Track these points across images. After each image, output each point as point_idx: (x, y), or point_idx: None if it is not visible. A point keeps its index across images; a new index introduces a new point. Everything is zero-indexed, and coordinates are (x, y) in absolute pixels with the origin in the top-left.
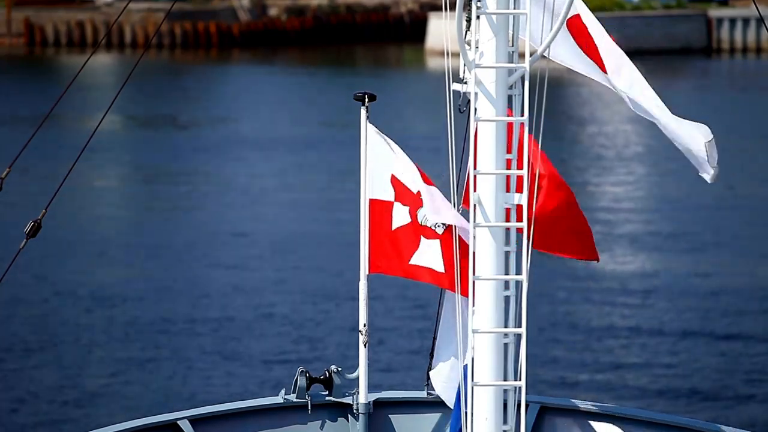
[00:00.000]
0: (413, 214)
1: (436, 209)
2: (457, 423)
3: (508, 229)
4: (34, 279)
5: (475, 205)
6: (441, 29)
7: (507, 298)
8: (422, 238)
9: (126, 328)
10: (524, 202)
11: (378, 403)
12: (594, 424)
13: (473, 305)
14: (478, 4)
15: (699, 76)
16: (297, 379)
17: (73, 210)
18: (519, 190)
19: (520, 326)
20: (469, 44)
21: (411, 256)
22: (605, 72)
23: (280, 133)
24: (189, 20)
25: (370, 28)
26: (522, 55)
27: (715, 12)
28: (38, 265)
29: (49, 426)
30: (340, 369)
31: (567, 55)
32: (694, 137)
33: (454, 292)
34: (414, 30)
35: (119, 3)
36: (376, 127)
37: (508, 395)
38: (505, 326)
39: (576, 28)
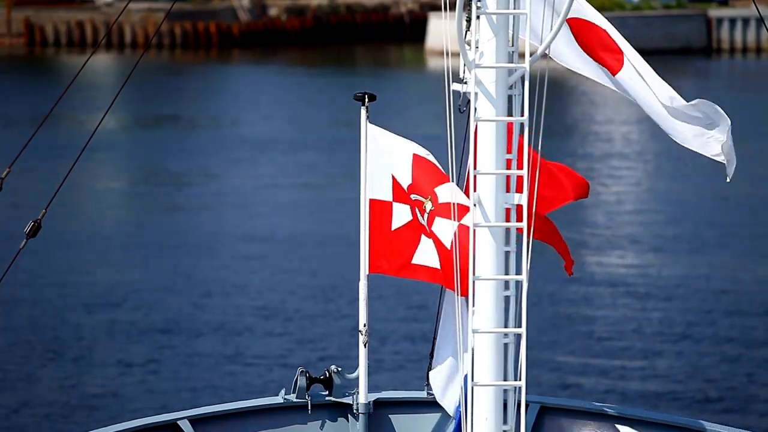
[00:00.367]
0: (413, 213)
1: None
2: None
3: (508, 229)
4: (34, 279)
5: (475, 205)
6: (441, 29)
7: (507, 298)
8: (422, 237)
9: (126, 328)
10: (524, 202)
11: (378, 403)
12: (594, 424)
13: (473, 305)
14: (478, 4)
15: (699, 76)
16: (297, 379)
17: (73, 210)
18: (519, 190)
19: (520, 326)
20: (469, 44)
21: (411, 256)
22: (612, 72)
23: (280, 133)
24: (189, 20)
25: (370, 28)
26: (522, 55)
27: (715, 12)
28: (38, 265)
29: (49, 426)
30: (340, 369)
31: (568, 55)
32: (707, 144)
33: (451, 289)
34: (414, 30)
35: (119, 3)
36: (377, 126)
37: (508, 395)
38: (505, 326)
39: (578, 29)
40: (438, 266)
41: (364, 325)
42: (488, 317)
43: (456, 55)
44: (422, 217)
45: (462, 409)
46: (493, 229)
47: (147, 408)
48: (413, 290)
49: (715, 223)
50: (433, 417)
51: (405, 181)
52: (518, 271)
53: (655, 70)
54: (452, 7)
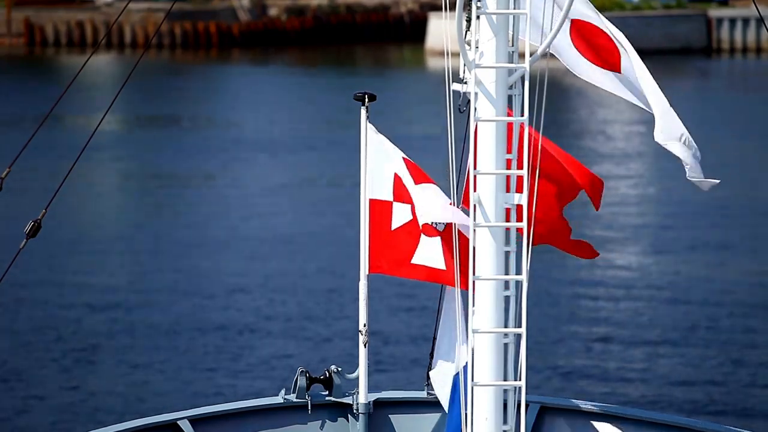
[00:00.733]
0: (413, 213)
1: (428, 210)
2: (454, 423)
3: (508, 229)
4: (34, 279)
5: (475, 205)
6: (441, 29)
7: (507, 298)
8: (422, 237)
9: (126, 328)
10: (524, 202)
11: (378, 403)
12: (594, 424)
13: (473, 305)
14: (478, 4)
15: (699, 76)
16: (297, 379)
17: (73, 210)
18: (519, 190)
19: (520, 326)
20: (469, 44)
21: (411, 256)
22: (609, 68)
23: (280, 133)
24: (189, 20)
25: (370, 28)
26: (522, 55)
27: (715, 12)
28: (38, 265)
29: (49, 426)
30: (340, 369)
31: (568, 55)
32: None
33: (454, 286)
34: (414, 30)
35: (119, 3)
36: (375, 127)
37: (508, 395)
38: (505, 326)
39: (577, 31)
40: (437, 266)
41: (364, 325)
42: (488, 317)
43: (456, 55)
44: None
45: (462, 409)
46: (493, 229)
47: (147, 408)
48: (413, 290)
49: (715, 224)
50: (433, 417)
51: (408, 181)
52: (518, 271)
53: (655, 71)
54: (452, 7)
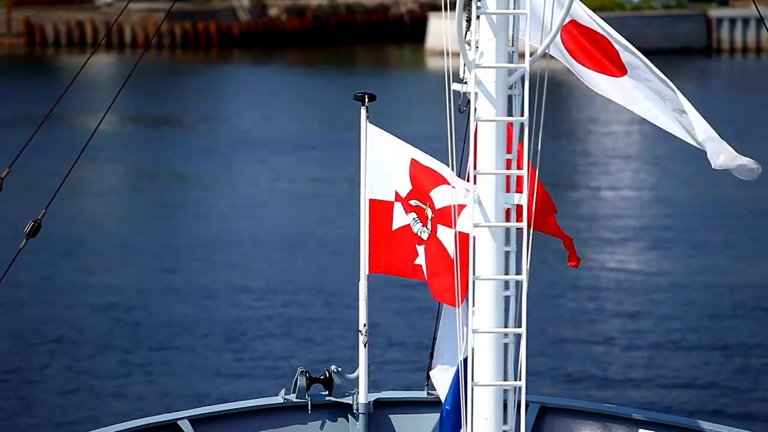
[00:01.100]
0: (408, 213)
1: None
2: (450, 422)
3: (508, 229)
4: (33, 279)
5: (475, 205)
6: (441, 29)
7: (507, 298)
8: (416, 246)
9: (126, 328)
10: (524, 202)
11: (378, 403)
12: (594, 424)
13: (473, 305)
14: (478, 4)
15: (699, 76)
16: (297, 379)
17: (73, 210)
18: (519, 190)
19: (520, 326)
20: (469, 44)
21: (412, 256)
22: (608, 74)
23: (280, 133)
24: (189, 20)
25: (370, 28)
26: (522, 55)
27: (715, 12)
28: (38, 265)
29: (49, 426)
30: (340, 369)
31: (566, 56)
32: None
33: (435, 299)
34: (414, 30)
35: (119, 3)
36: (377, 127)
37: (508, 395)
38: (505, 326)
39: (570, 35)
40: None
41: (364, 325)
42: (488, 317)
43: (456, 55)
44: (425, 226)
45: (462, 409)
46: (493, 229)
47: (147, 408)
48: (413, 290)
49: (716, 224)
50: (433, 417)
51: (404, 187)
52: (518, 271)
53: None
54: (452, 7)
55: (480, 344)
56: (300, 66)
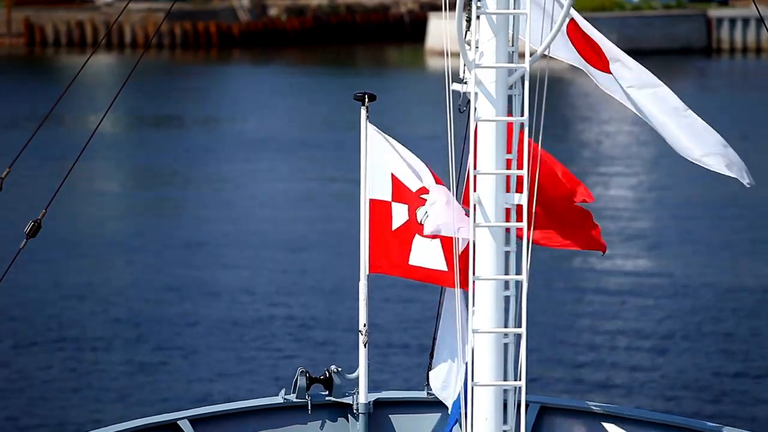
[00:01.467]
0: (412, 213)
1: (439, 222)
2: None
3: (507, 229)
4: (33, 279)
5: (475, 205)
6: (441, 29)
7: (507, 298)
8: (417, 237)
9: (126, 328)
10: (524, 202)
11: (378, 403)
12: (594, 424)
13: (473, 305)
14: (478, 4)
15: (699, 76)
16: (297, 379)
17: (73, 210)
18: (519, 190)
19: (520, 326)
20: (469, 44)
21: (410, 256)
22: (605, 71)
23: (280, 133)
24: (189, 20)
25: (370, 28)
26: (522, 55)
27: (715, 12)
28: (38, 265)
29: (49, 426)
30: (340, 369)
31: (566, 54)
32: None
33: (454, 288)
34: (414, 30)
35: (119, 3)
36: (376, 127)
37: (508, 395)
38: (505, 326)
39: (572, 32)
40: (439, 266)
41: (364, 325)
42: (488, 317)
43: (456, 55)
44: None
45: (462, 409)
46: (493, 229)
47: (147, 408)
48: (413, 290)
49: (716, 224)
50: (433, 417)
51: (413, 184)
52: (518, 271)
53: (655, 70)
54: (452, 7)
55: (480, 344)
56: (300, 66)
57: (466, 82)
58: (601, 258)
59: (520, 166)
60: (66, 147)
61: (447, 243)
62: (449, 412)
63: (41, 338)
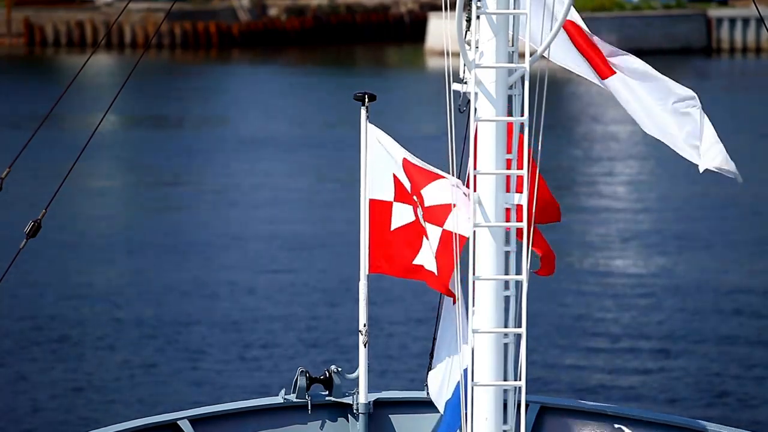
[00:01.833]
0: (416, 213)
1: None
2: (450, 424)
3: (507, 229)
4: (34, 279)
5: (475, 205)
6: (441, 29)
7: (507, 298)
8: (424, 239)
9: (125, 328)
10: (524, 202)
11: (378, 403)
12: (594, 424)
13: (473, 305)
14: (478, 4)
15: (699, 76)
16: (297, 379)
17: (73, 210)
18: (519, 190)
19: (520, 326)
20: (469, 44)
21: (412, 257)
22: (604, 74)
23: (280, 133)
24: (189, 20)
25: (370, 28)
26: (522, 55)
27: (714, 12)
28: (38, 265)
29: (49, 425)
30: (340, 369)
31: (565, 56)
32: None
33: (445, 294)
34: (414, 30)
35: (119, 3)
36: (376, 127)
37: (508, 395)
38: (505, 326)
39: (573, 31)
40: (434, 270)
41: (364, 325)
42: (488, 317)
43: (456, 55)
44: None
45: (462, 409)
46: (493, 229)
47: (147, 408)
48: (413, 290)
49: (714, 223)
50: (433, 417)
51: (409, 181)
52: (518, 271)
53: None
54: (452, 7)
55: (480, 344)
56: (300, 66)
57: (466, 82)
58: (602, 258)
59: (520, 166)
60: (66, 147)
61: (446, 243)
62: (441, 413)
63: (41, 338)
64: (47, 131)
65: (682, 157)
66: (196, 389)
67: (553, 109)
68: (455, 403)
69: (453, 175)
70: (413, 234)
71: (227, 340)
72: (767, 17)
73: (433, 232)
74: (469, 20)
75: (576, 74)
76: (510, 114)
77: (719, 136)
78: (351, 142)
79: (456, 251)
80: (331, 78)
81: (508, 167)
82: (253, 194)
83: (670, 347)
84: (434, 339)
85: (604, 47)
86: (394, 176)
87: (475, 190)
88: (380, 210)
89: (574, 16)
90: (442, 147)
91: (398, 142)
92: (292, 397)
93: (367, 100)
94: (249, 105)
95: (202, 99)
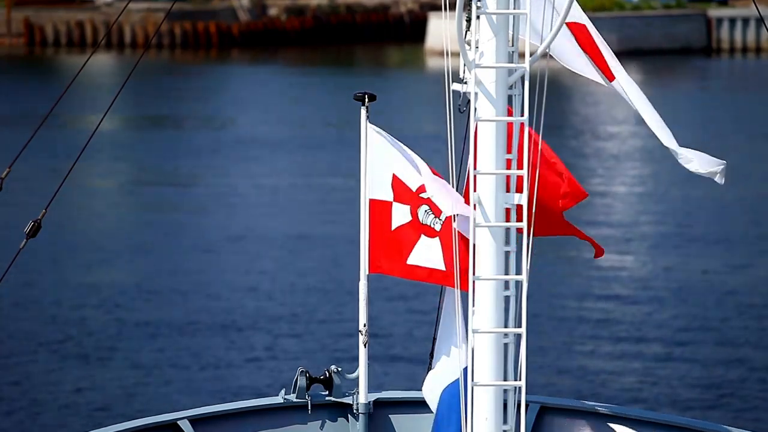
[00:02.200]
0: (414, 213)
1: (446, 201)
2: (450, 424)
3: (508, 229)
4: (34, 279)
5: (475, 205)
6: (441, 29)
7: (507, 298)
8: (422, 237)
9: (126, 328)
10: (524, 202)
11: (378, 403)
12: (594, 424)
13: (473, 305)
14: (478, 4)
15: (699, 76)
16: (297, 379)
17: (73, 210)
18: (519, 190)
19: (520, 326)
20: (469, 44)
21: (413, 257)
22: (607, 74)
23: (280, 133)
24: (189, 20)
25: (370, 28)
26: (522, 55)
27: (714, 12)
28: (38, 265)
29: (49, 426)
30: (340, 369)
31: (568, 55)
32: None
33: (451, 286)
34: (414, 30)
35: (119, 3)
36: (376, 126)
37: (508, 395)
38: (505, 326)
39: (577, 30)
40: (438, 265)
41: (364, 325)
42: (488, 317)
43: (456, 55)
44: (437, 217)
45: (462, 409)
46: (493, 229)
47: (147, 408)
48: (413, 290)
49: (716, 223)
50: (433, 417)
51: (413, 182)
52: (518, 271)
53: (655, 70)
54: (452, 7)
55: (480, 344)
56: (300, 66)
57: (466, 82)
58: (602, 258)
59: (520, 166)
60: (66, 147)
61: (447, 242)
62: (434, 413)
63: (41, 338)
64: (47, 131)
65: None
66: (196, 389)
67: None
68: (454, 403)
69: (453, 176)
70: (414, 234)
71: (227, 340)
72: (767, 17)
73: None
74: (469, 20)
75: (578, 74)
76: (510, 114)
77: (718, 136)
78: (351, 142)
79: (456, 251)
80: (331, 78)
81: (508, 167)
82: (253, 194)
83: (670, 347)
84: (434, 339)
85: (608, 53)
86: (394, 176)
87: (475, 190)
88: (380, 210)
89: (582, 18)
90: (442, 147)
91: (398, 142)
92: (292, 397)
93: (367, 100)
94: (249, 105)
95: (202, 99)
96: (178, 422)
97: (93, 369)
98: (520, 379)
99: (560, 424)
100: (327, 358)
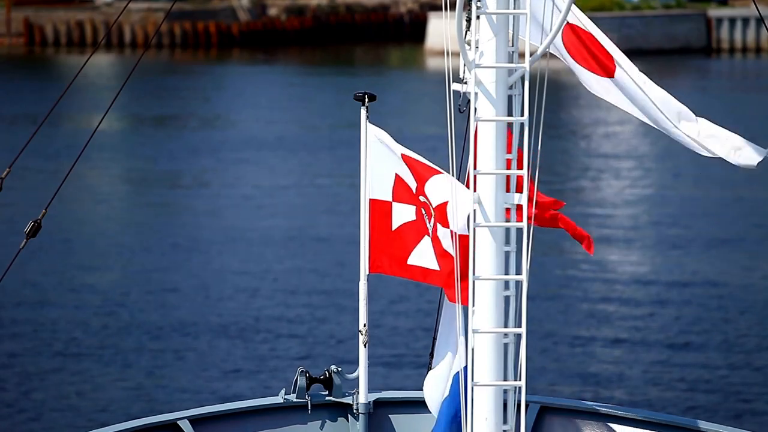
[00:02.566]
0: (417, 214)
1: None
2: (450, 423)
3: (507, 229)
4: (34, 279)
5: (475, 205)
6: (441, 29)
7: (507, 298)
8: (424, 238)
9: (126, 328)
10: (524, 202)
11: (378, 403)
12: (594, 424)
13: (473, 305)
14: (478, 4)
15: (699, 76)
16: (297, 379)
17: (73, 210)
18: (519, 190)
19: (520, 326)
20: (469, 44)
21: (413, 257)
22: (603, 74)
23: (280, 133)
24: (189, 20)
25: (370, 28)
26: (522, 55)
27: (714, 12)
28: (38, 265)
29: (49, 426)
30: (340, 369)
31: (566, 56)
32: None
33: (448, 289)
34: (414, 30)
35: (119, 3)
36: (376, 126)
37: (508, 395)
38: (505, 326)
39: (569, 38)
40: (435, 268)
41: (364, 325)
42: (488, 317)
43: (456, 55)
44: (429, 220)
45: (462, 409)
46: (493, 229)
47: (147, 408)
48: (413, 290)
49: (716, 223)
50: (433, 417)
51: (411, 181)
52: (518, 271)
53: (655, 70)
54: (452, 7)
55: (480, 344)
56: (300, 66)
57: (466, 82)
58: (603, 258)
59: (520, 166)
60: (66, 147)
61: (447, 243)
62: (433, 413)
63: (41, 338)
64: (47, 131)
65: (682, 156)
66: (196, 389)
67: (553, 109)
68: (455, 403)
69: (453, 176)
70: (414, 234)
71: (227, 340)
72: (767, 17)
73: (441, 231)
74: (469, 20)
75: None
76: (510, 114)
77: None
78: (351, 142)
79: (456, 251)
80: (331, 78)
81: (508, 167)
82: (253, 194)
83: (671, 347)
84: (434, 339)
85: (610, 46)
86: (396, 176)
87: (475, 190)
88: (380, 210)
89: (582, 18)
90: (442, 147)
91: (399, 142)
92: (292, 397)
93: (367, 100)
94: (249, 105)
95: (202, 99)
96: (178, 422)
97: (93, 369)
98: (520, 379)
99: (560, 424)
100: (327, 358)
